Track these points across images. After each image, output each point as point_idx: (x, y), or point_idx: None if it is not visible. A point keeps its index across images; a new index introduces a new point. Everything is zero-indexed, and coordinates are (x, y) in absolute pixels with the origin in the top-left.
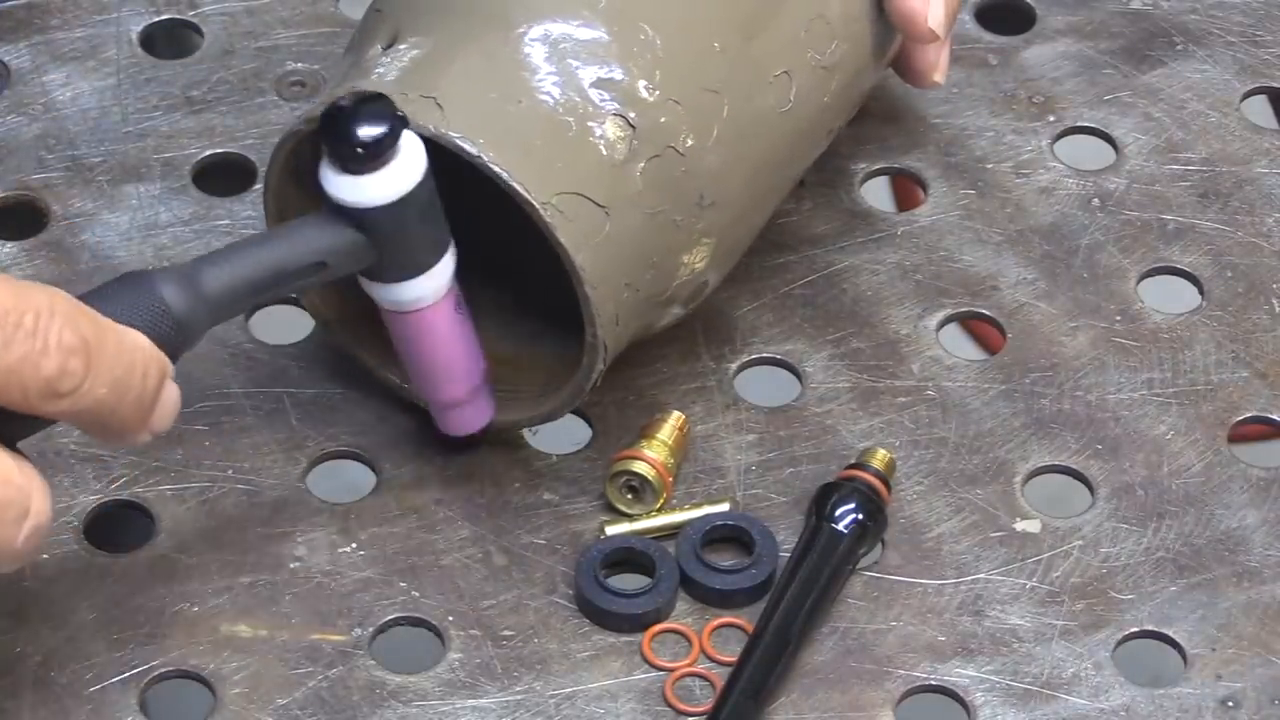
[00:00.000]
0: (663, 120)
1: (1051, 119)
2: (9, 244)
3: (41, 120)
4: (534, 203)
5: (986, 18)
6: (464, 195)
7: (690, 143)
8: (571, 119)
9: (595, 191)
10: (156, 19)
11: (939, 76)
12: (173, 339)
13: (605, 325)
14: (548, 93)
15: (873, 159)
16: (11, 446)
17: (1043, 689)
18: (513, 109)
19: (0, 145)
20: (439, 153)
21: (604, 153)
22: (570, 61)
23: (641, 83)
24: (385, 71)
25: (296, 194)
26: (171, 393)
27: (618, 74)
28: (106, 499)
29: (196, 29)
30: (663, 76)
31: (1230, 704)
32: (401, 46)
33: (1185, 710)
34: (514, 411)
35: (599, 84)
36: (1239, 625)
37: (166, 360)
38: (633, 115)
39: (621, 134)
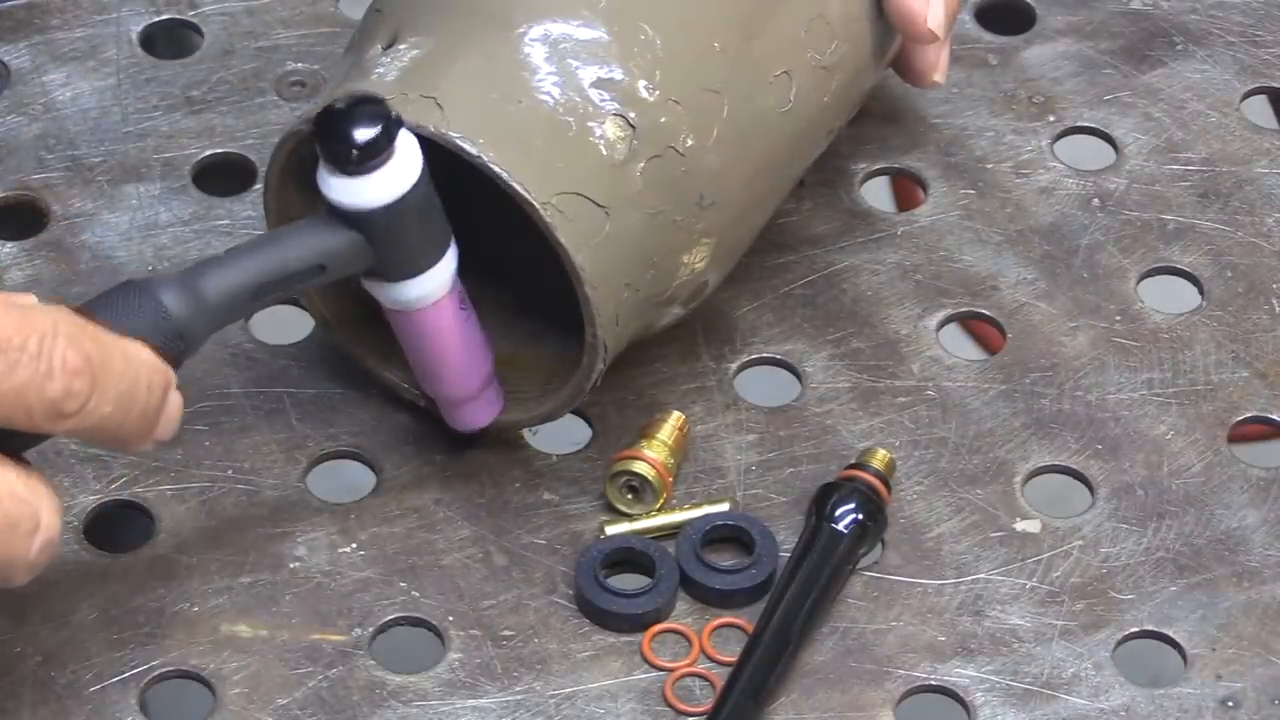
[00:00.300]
0: (663, 120)
1: (1051, 119)
2: (9, 244)
3: (41, 120)
4: (534, 203)
5: (986, 18)
6: (464, 195)
7: (690, 143)
8: (571, 119)
9: (595, 191)
10: (156, 19)
11: (939, 77)
12: (175, 347)
13: (605, 325)
14: (548, 93)
15: (873, 159)
16: (17, 458)
17: (1043, 689)
18: (513, 109)
19: (0, 145)
20: (439, 152)
21: (604, 153)
22: (570, 61)
23: (641, 83)
24: (385, 72)
25: (297, 194)
26: (175, 402)
27: (618, 74)
28: (106, 499)
29: (196, 29)
30: (663, 76)
31: (1230, 704)
32: (401, 47)
33: (1185, 710)
34: (514, 411)
35: (599, 84)
36: (1239, 625)
37: (169, 371)
38: (633, 115)
39: (622, 134)
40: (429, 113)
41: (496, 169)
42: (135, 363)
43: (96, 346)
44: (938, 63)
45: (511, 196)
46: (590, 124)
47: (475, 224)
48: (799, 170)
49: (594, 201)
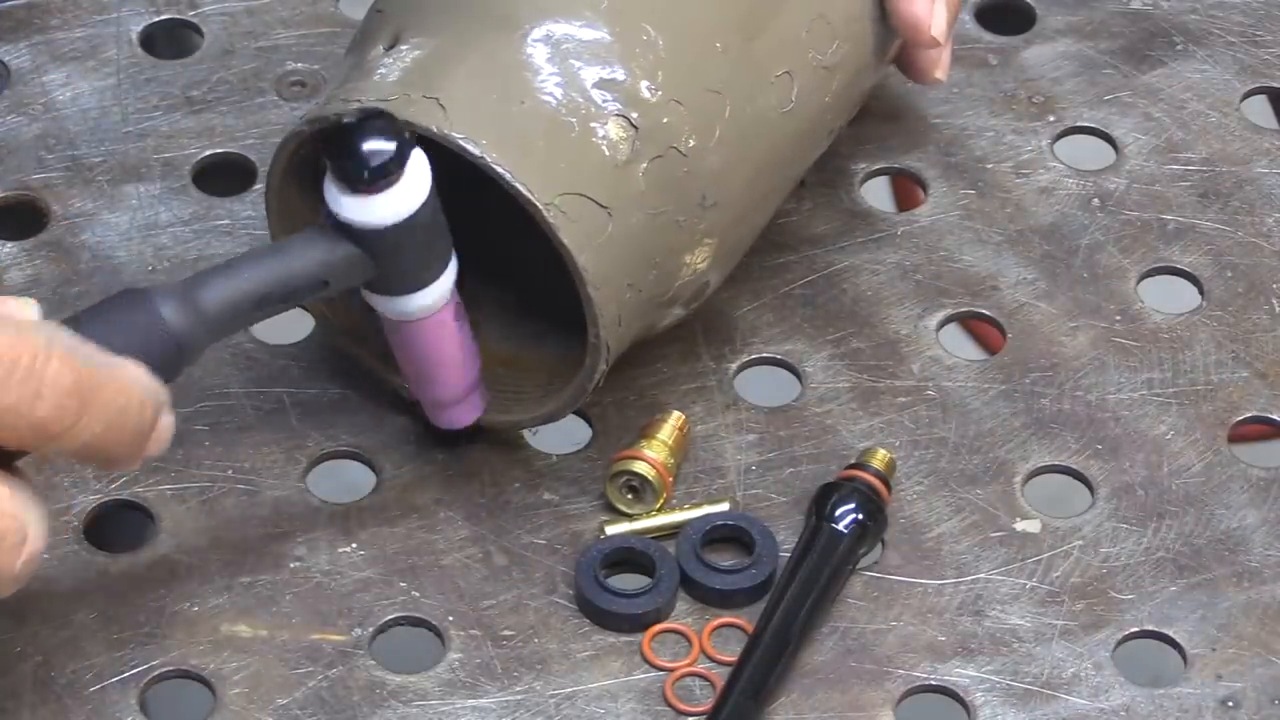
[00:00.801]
0: (665, 121)
1: (1051, 119)
2: (9, 244)
3: (41, 120)
4: (537, 204)
5: (986, 18)
6: (466, 195)
7: (692, 143)
8: (574, 120)
9: (598, 192)
10: (156, 19)
11: (941, 74)
12: (172, 359)
13: (608, 326)
14: (550, 93)
15: (873, 159)
16: (9, 467)
17: (1043, 689)
18: (515, 110)
19: (0, 145)
20: (441, 152)
21: (606, 153)
22: (572, 62)
23: (644, 83)
24: (387, 72)
25: (299, 194)
26: (166, 422)
27: (620, 74)
28: (106, 499)
29: (196, 29)
30: (665, 77)
31: (1230, 704)
32: (403, 47)
33: (1185, 710)
34: (516, 412)
35: (601, 84)
36: (1239, 625)
37: (163, 391)
38: (635, 116)
39: (624, 135)
40: (432, 114)
41: (499, 170)
42: (129, 382)
43: (90, 366)
44: (940, 60)
45: (514, 197)
46: (593, 125)
47: (477, 223)
48: (800, 170)
49: (596, 202)
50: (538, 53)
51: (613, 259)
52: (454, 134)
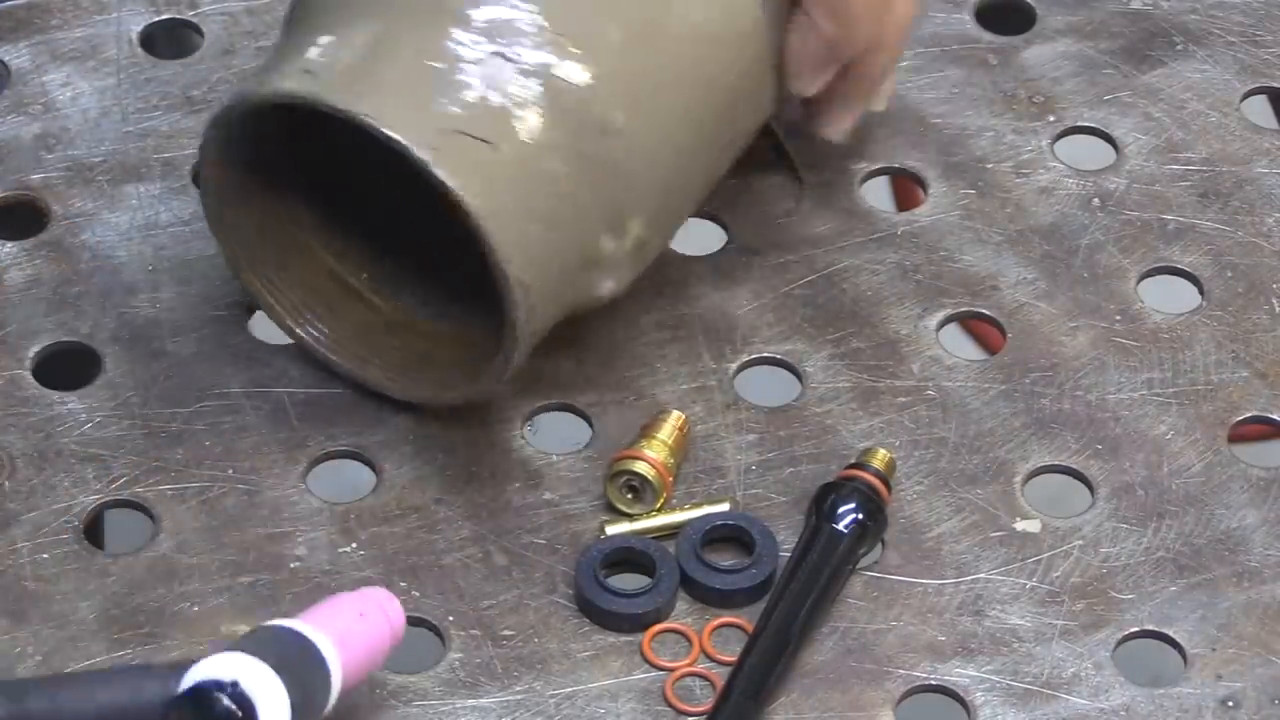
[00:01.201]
0: (551, 51)
1: (1051, 119)
2: (9, 244)
3: (41, 120)
4: (404, 142)
5: (986, 18)
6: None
7: (584, 72)
8: (447, 63)
9: (479, 129)
10: (156, 19)
11: (833, 132)
12: None
13: (517, 262)
14: (427, 40)
15: (873, 159)
16: None
17: (1043, 689)
18: (386, 63)
19: (0, 145)
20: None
21: (488, 91)
22: (452, 4)
23: (526, 14)
24: (284, 58)
25: (232, 179)
26: None
27: (503, 11)
28: (107, 499)
29: (196, 29)
30: (547, 7)
31: (1230, 704)
32: (302, 37)
33: (1185, 710)
34: (464, 384)
35: (484, 26)
36: (1239, 625)
37: None
38: (519, 53)
39: (506, 73)
40: (301, 81)
41: (365, 119)
42: None
43: None
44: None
45: (389, 145)
46: (471, 64)
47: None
48: (733, 114)
49: (476, 138)
50: (416, 4)
51: (504, 191)
52: (322, 95)
